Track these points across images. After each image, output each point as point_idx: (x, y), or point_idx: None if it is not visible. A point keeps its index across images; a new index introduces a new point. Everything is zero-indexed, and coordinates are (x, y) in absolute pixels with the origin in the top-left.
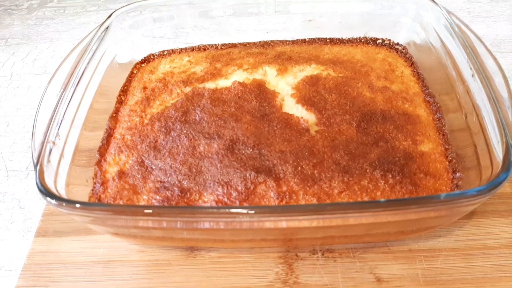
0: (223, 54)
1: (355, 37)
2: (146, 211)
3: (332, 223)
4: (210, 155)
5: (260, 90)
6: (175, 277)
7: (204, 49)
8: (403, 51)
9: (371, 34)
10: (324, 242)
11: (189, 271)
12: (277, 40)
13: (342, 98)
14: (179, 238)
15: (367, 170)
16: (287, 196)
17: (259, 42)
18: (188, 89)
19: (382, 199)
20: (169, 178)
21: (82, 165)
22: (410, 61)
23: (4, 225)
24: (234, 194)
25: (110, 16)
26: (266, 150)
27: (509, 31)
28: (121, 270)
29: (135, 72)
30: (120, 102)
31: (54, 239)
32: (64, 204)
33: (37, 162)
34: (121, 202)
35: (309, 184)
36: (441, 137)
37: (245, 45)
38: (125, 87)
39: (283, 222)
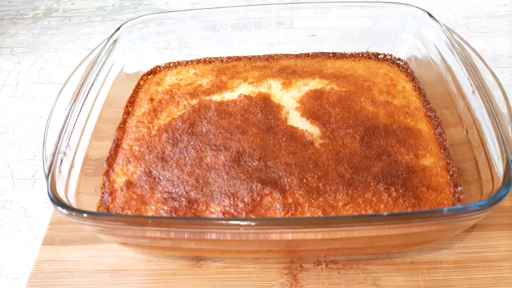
0: (228, 67)
1: (357, 51)
2: (155, 221)
3: (337, 236)
4: (217, 166)
5: (266, 103)
6: (181, 287)
7: (210, 62)
8: (405, 66)
9: (373, 49)
10: (328, 254)
11: (195, 281)
12: (281, 54)
13: (345, 112)
14: (186, 248)
15: (371, 183)
16: (292, 208)
17: (264, 55)
18: (194, 101)
19: (386, 213)
20: (177, 189)
21: (90, 174)
22: (411, 76)
23: (11, 233)
24: (241, 205)
25: (118, 29)
26: (272, 162)
27: (508, 46)
28: (128, 279)
29: (142, 83)
30: (128, 113)
31: (61, 247)
32: (74, 214)
33: (49, 173)
34: (129, 212)
35: (314, 196)
36: (442, 151)
37: (250, 58)
38: (132, 98)
39: (289, 234)
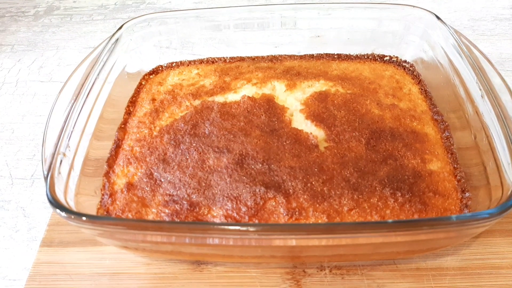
0: (232, 68)
1: (362, 53)
2: (155, 226)
3: (342, 243)
4: (219, 169)
5: (269, 105)
6: None
7: (213, 62)
8: (411, 68)
9: (378, 51)
10: (333, 260)
11: (196, 285)
12: (285, 55)
13: (351, 115)
14: (188, 253)
15: (377, 188)
16: (296, 213)
17: (267, 56)
18: (197, 102)
19: (393, 220)
20: (178, 192)
21: (90, 175)
22: (417, 79)
23: (9, 234)
24: (244, 209)
25: (120, 27)
26: (275, 166)
27: None
28: (127, 282)
29: (143, 83)
30: (129, 113)
31: (59, 249)
32: (73, 217)
33: (48, 174)
34: (129, 215)
35: (318, 200)
36: (449, 155)
37: (253, 59)
38: (134, 98)
39: (294, 241)
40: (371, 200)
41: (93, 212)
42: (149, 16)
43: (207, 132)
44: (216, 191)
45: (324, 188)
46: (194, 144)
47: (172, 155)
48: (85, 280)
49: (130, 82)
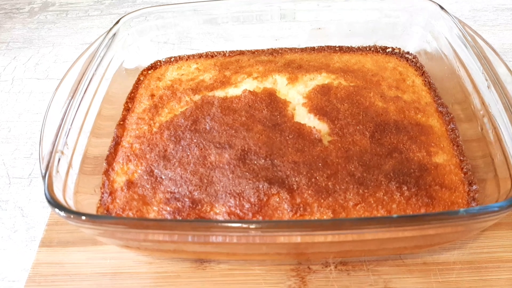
0: (231, 62)
1: (364, 45)
2: (157, 224)
3: (349, 239)
4: (221, 165)
5: (271, 99)
6: None
7: (212, 56)
8: (414, 60)
9: (381, 43)
10: (338, 256)
11: (199, 284)
12: (285, 48)
13: (354, 107)
14: (190, 251)
15: (382, 182)
16: (301, 208)
17: (268, 49)
18: (197, 97)
19: (400, 215)
20: (180, 189)
21: (89, 173)
22: (421, 70)
23: (7, 234)
24: (247, 205)
25: (117, 22)
26: (278, 161)
27: None
28: (129, 282)
29: (142, 79)
30: (127, 109)
31: (59, 249)
32: (72, 217)
33: (46, 173)
34: (130, 213)
35: (323, 196)
36: (455, 148)
37: (253, 52)
38: (132, 94)
39: (299, 238)
40: (377, 194)
41: (92, 211)
42: (146, 10)
43: (208, 128)
44: (219, 188)
45: (329, 183)
46: (195, 140)
47: (172, 152)
48: (86, 280)
49: (128, 77)
